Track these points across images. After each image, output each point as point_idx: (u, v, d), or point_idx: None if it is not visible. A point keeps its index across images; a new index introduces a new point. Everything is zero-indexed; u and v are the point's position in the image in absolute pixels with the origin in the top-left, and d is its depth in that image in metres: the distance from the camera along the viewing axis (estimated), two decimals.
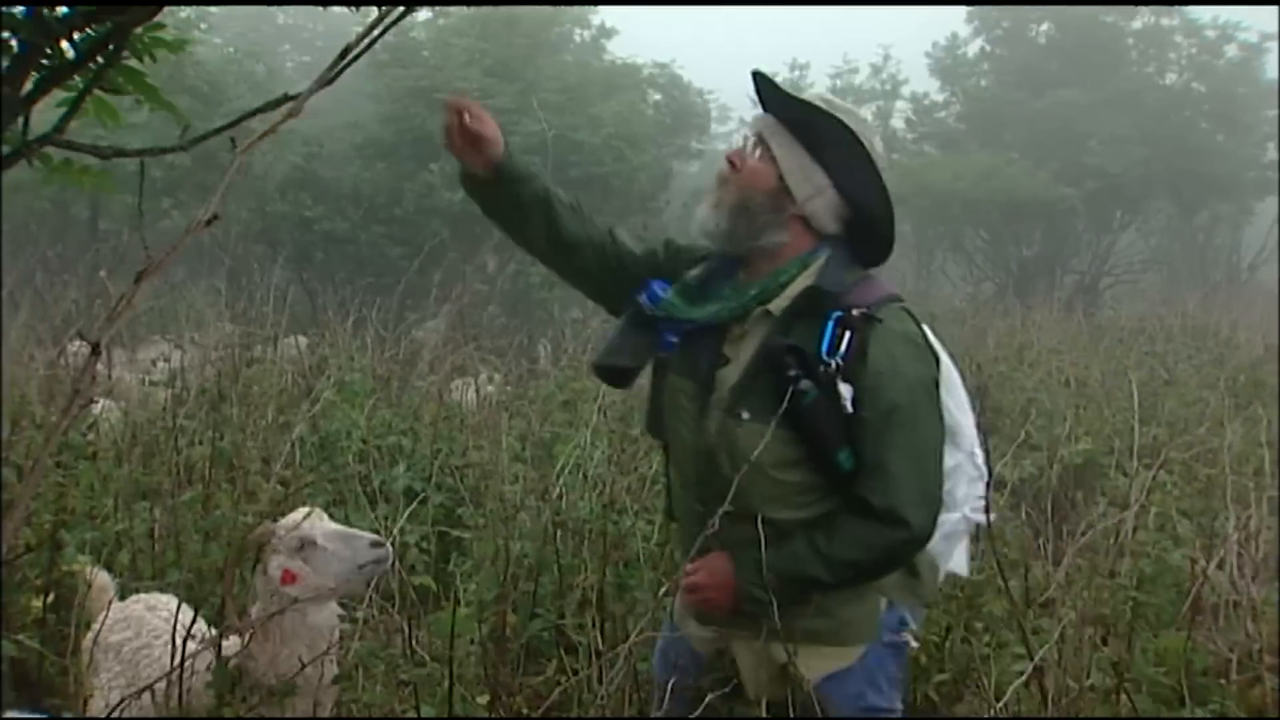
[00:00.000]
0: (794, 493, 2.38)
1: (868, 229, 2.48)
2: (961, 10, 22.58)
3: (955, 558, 2.65)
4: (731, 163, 2.49)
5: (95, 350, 1.08)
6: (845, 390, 2.29)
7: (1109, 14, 21.15)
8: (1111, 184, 19.17)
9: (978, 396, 7.40)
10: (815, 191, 2.42)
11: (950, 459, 2.49)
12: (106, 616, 3.19)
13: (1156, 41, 21.60)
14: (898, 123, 23.34)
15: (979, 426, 2.67)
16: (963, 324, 11.97)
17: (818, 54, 23.29)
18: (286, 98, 1.69)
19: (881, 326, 2.34)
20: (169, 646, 2.87)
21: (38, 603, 3.83)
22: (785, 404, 2.29)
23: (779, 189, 2.43)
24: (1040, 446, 6.25)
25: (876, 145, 2.43)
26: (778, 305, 2.41)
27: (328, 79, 1.40)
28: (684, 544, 2.65)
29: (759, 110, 2.55)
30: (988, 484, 2.64)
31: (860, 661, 2.49)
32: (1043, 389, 8.03)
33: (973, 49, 22.81)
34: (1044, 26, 22.05)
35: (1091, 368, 8.90)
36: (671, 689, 2.56)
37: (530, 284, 12.63)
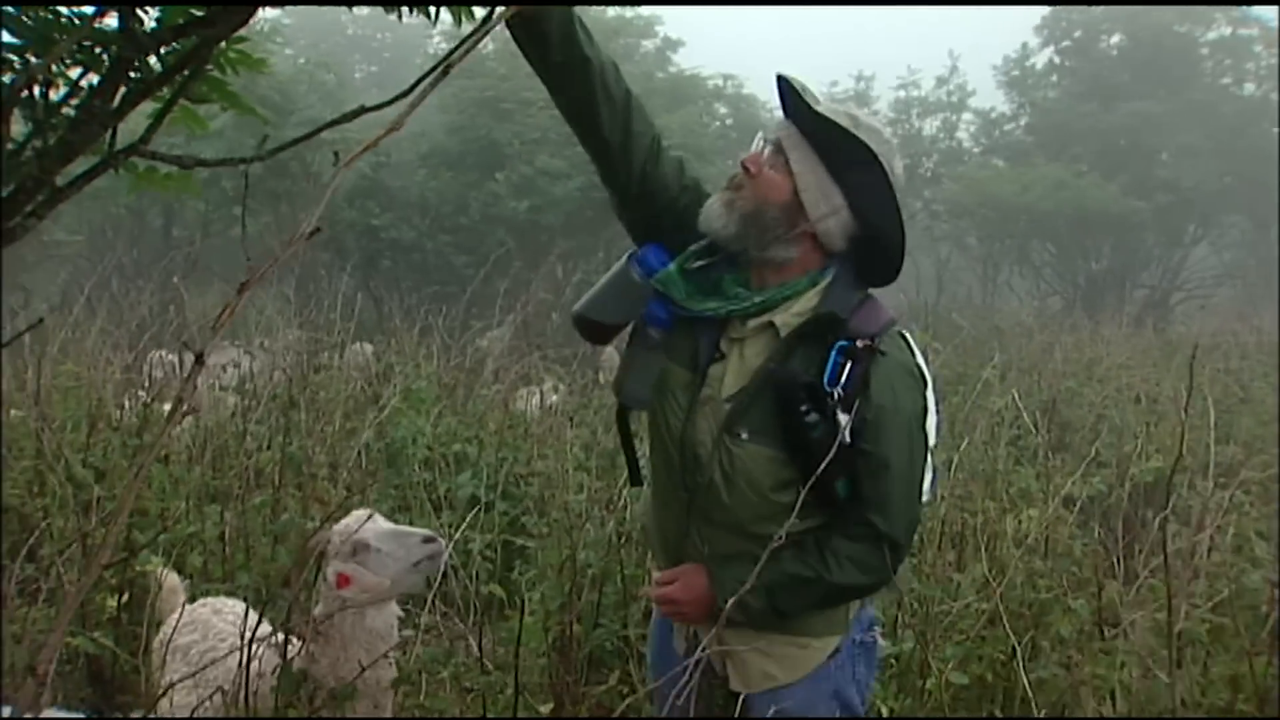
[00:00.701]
0: (783, 511, 2.35)
1: (878, 251, 2.44)
2: (1031, 21, 22.36)
3: None
4: (747, 168, 2.42)
5: (199, 360, 1.10)
6: (843, 419, 2.29)
7: (1183, 24, 20.82)
8: (1184, 197, 18.87)
9: (1046, 412, 7.32)
10: (830, 211, 2.37)
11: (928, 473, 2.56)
12: (178, 619, 3.25)
13: (1234, 51, 21.21)
14: (963, 134, 23.17)
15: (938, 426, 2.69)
16: (1030, 338, 11.80)
17: (884, 66, 23.16)
18: (363, 109, 1.71)
19: (884, 360, 2.34)
20: (233, 649, 2.91)
21: (112, 602, 3.91)
22: (790, 433, 2.31)
23: (793, 204, 2.38)
24: (1109, 464, 6.15)
25: (896, 168, 2.38)
26: (784, 323, 2.40)
27: (432, 85, 1.42)
28: (659, 530, 2.63)
29: (780, 114, 2.48)
30: (934, 478, 2.62)
31: (833, 660, 2.49)
32: (1112, 405, 7.90)
33: (1041, 60, 22.58)
34: (1115, 38, 21.77)
35: (1163, 384, 8.73)
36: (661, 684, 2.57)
37: None
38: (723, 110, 17.28)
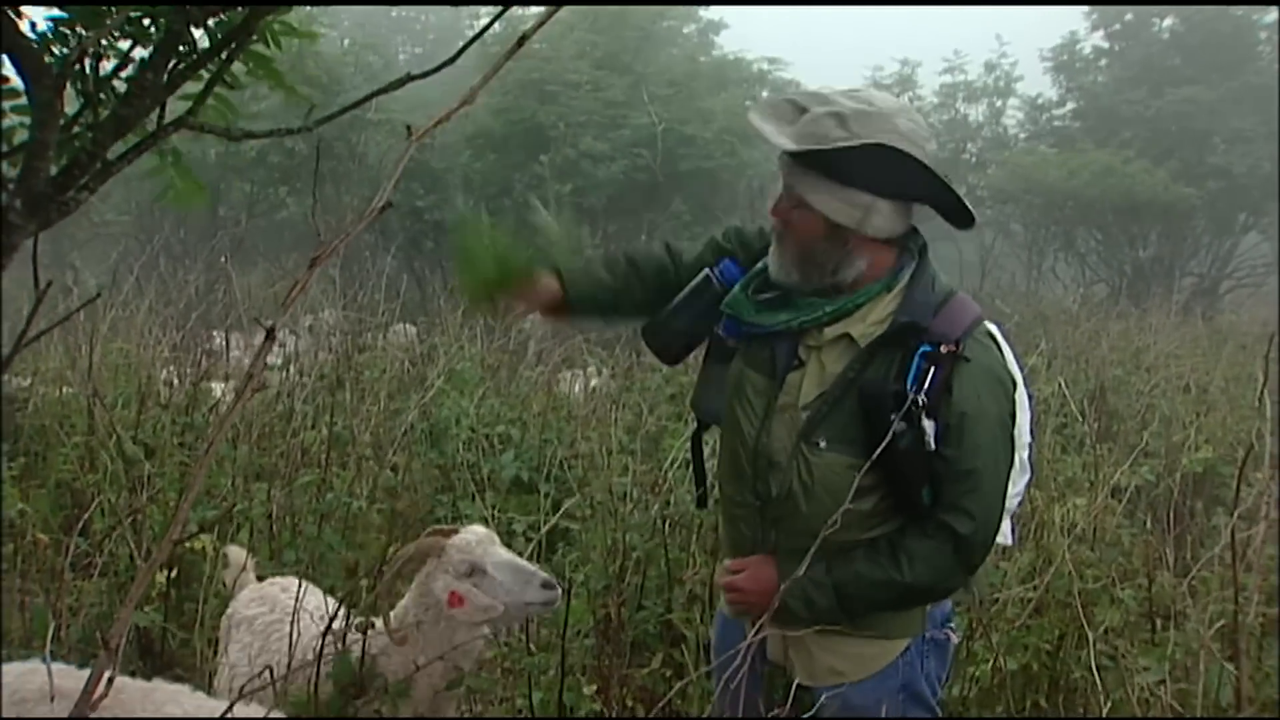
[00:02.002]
0: (861, 518, 2.35)
1: (937, 206, 2.41)
2: (1080, 6, 22.02)
3: (1003, 530, 2.65)
4: (777, 218, 2.42)
5: (270, 334, 1.10)
6: (929, 426, 2.26)
7: (1238, 7, 20.40)
8: (1235, 184, 18.53)
9: (1093, 400, 7.24)
10: (865, 212, 2.33)
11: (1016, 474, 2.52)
12: (243, 593, 3.26)
13: None
14: (1009, 120, 22.88)
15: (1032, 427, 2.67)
16: (1076, 326, 11.67)
17: (930, 49, 22.92)
18: (409, 77, 1.73)
19: (968, 366, 2.30)
20: (299, 627, 2.91)
21: (161, 577, 3.96)
22: (876, 442, 2.26)
23: (830, 229, 2.34)
24: (1156, 453, 6.07)
25: (901, 126, 2.28)
26: (862, 333, 2.37)
27: (506, 58, 1.43)
28: (730, 540, 2.63)
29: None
30: (1028, 482, 2.64)
31: (902, 657, 2.48)
32: (1161, 394, 7.80)
33: (1090, 44, 22.25)
34: (1168, 21, 21.37)
35: (1213, 374, 8.60)
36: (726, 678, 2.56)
37: None
38: (766, 94, 17.14)
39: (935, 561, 2.33)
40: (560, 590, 2.81)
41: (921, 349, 2.29)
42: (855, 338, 2.37)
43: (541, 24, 1.45)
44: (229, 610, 3.27)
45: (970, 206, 2.39)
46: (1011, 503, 2.57)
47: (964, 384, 2.29)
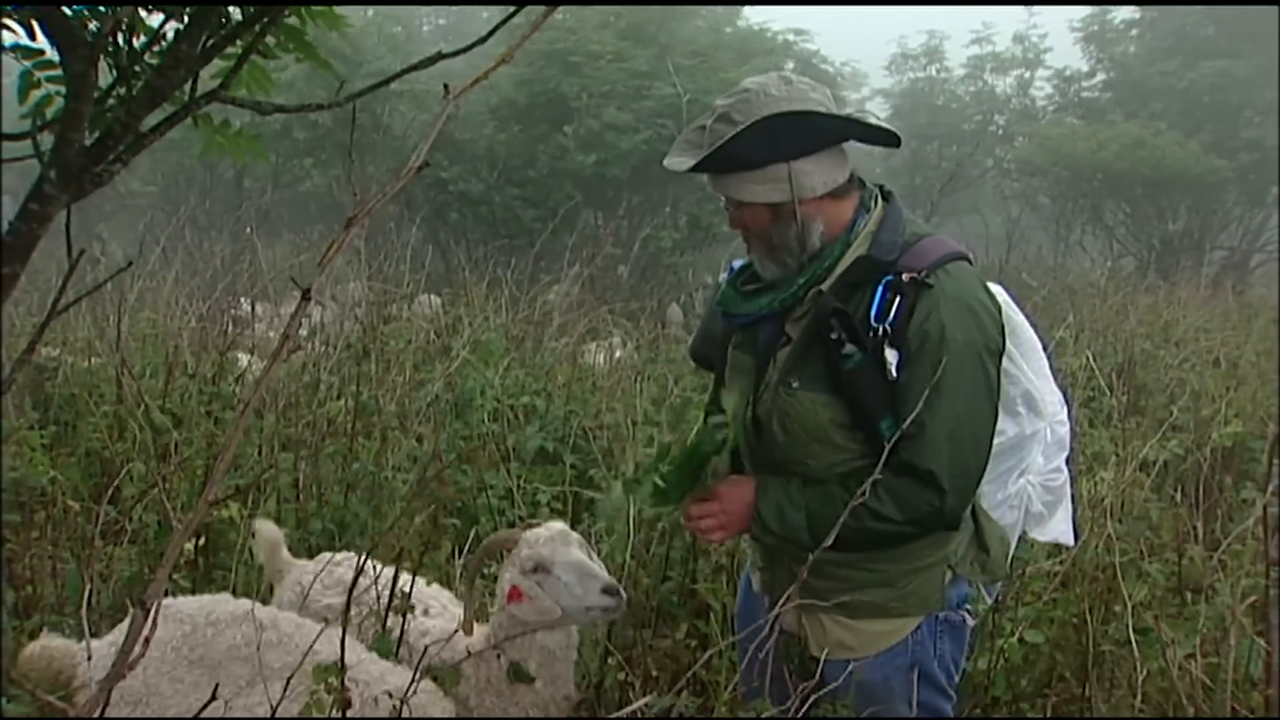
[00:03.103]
0: (835, 455, 2.40)
1: (860, 139, 2.47)
2: None
3: (1055, 528, 2.64)
4: (740, 228, 2.50)
5: (306, 295, 1.10)
6: (891, 356, 2.28)
7: None
8: (1268, 157, 18.29)
9: (1122, 374, 7.19)
10: (789, 180, 2.37)
11: (1028, 426, 2.52)
12: (302, 575, 3.25)
13: None
14: (1038, 92, 22.66)
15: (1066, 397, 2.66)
16: (1103, 300, 11.57)
17: (957, 22, 22.71)
18: (440, 55, 1.72)
19: (932, 291, 2.30)
20: (376, 615, 2.90)
21: (190, 545, 3.99)
22: (832, 371, 2.32)
23: (773, 210, 2.40)
24: (1185, 427, 6.03)
25: (773, 92, 2.35)
26: (830, 284, 2.40)
27: (543, 18, 1.43)
28: None
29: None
30: (1068, 458, 2.62)
31: (913, 636, 2.49)
32: (1190, 369, 7.73)
33: (1121, 15, 21.97)
34: None
35: (1243, 348, 8.52)
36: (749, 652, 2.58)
37: (661, 248, 12.64)
38: (790, 65, 17.04)
39: (899, 495, 2.32)
40: (624, 598, 2.76)
41: (885, 279, 2.32)
42: (825, 292, 2.40)
43: None
44: (284, 594, 3.24)
45: (885, 125, 2.47)
46: (1051, 481, 2.57)
47: (926, 309, 2.29)
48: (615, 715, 2.49)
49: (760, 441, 2.51)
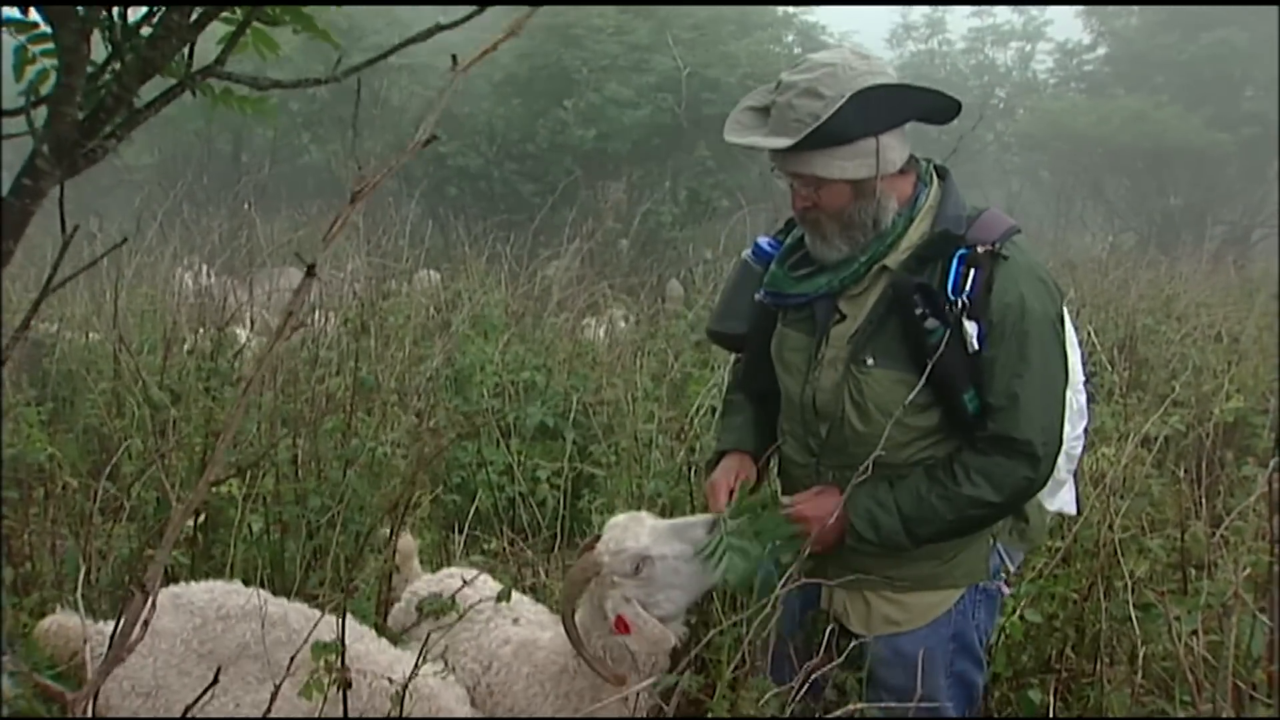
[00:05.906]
0: (918, 437, 2.37)
1: (925, 115, 2.46)
2: None
3: (1062, 498, 2.64)
4: (806, 210, 2.43)
5: (310, 271, 1.08)
6: (971, 328, 2.27)
7: None
8: (1269, 130, 18.21)
9: (1123, 349, 7.16)
10: (877, 155, 2.34)
11: (1070, 394, 2.50)
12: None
13: None
14: (1039, 66, 22.56)
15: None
16: (1104, 274, 11.53)
17: None
18: (439, 27, 1.71)
19: (1008, 263, 2.31)
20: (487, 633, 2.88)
21: (189, 522, 3.97)
22: (914, 346, 2.30)
23: (856, 187, 2.37)
24: (1186, 402, 6.01)
25: (856, 66, 2.32)
26: (895, 259, 2.39)
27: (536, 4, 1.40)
28: (785, 489, 2.66)
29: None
30: (1085, 428, 2.62)
31: (956, 606, 2.50)
32: (1191, 344, 7.70)
33: None
34: None
35: (1245, 323, 8.50)
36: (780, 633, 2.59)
37: (661, 223, 12.59)
38: (790, 38, 16.92)
39: (991, 472, 2.31)
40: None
41: (959, 252, 2.32)
42: (891, 267, 2.39)
43: None
44: (402, 604, 3.23)
45: (948, 93, 2.43)
46: (1073, 449, 2.56)
47: (1006, 281, 2.30)
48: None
49: (818, 423, 2.48)
